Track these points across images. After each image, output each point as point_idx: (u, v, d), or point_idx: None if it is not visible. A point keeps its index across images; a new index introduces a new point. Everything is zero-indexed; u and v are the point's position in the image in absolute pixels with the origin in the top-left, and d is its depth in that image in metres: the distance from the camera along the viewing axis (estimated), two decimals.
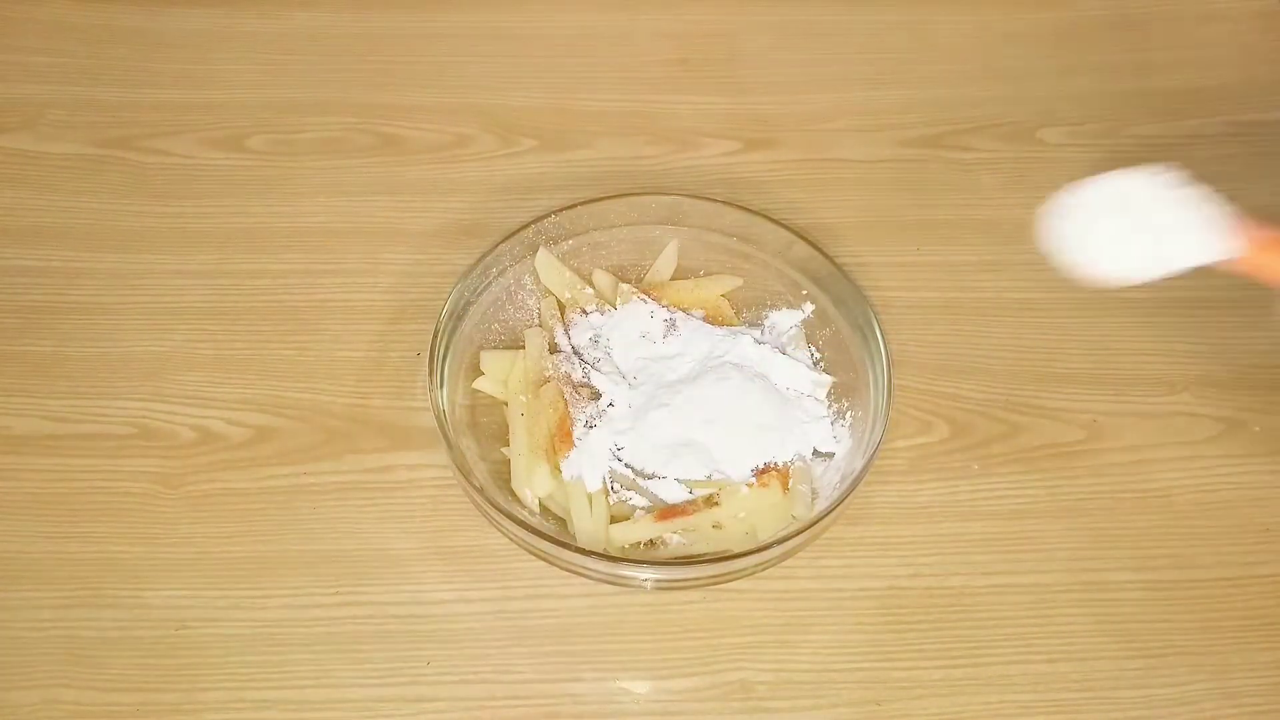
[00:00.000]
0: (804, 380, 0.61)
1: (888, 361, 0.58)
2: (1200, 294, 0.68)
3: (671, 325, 0.62)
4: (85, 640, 0.55)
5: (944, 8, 0.84)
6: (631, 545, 0.57)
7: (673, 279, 0.66)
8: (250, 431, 0.62)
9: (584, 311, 0.64)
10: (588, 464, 0.58)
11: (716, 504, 0.57)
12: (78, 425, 0.62)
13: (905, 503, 0.60)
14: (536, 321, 0.64)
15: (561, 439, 0.58)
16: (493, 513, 0.54)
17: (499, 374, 0.62)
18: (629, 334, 0.62)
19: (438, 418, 0.57)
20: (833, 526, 0.56)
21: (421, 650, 0.56)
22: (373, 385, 0.64)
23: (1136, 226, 0.49)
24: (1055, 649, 0.56)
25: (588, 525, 0.56)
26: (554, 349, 0.62)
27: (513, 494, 0.58)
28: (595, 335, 0.63)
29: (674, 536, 0.57)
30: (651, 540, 0.57)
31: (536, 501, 0.58)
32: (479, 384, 0.62)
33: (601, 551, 0.55)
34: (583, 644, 0.56)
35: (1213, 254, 0.48)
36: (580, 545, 0.55)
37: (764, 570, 0.55)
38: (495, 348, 0.63)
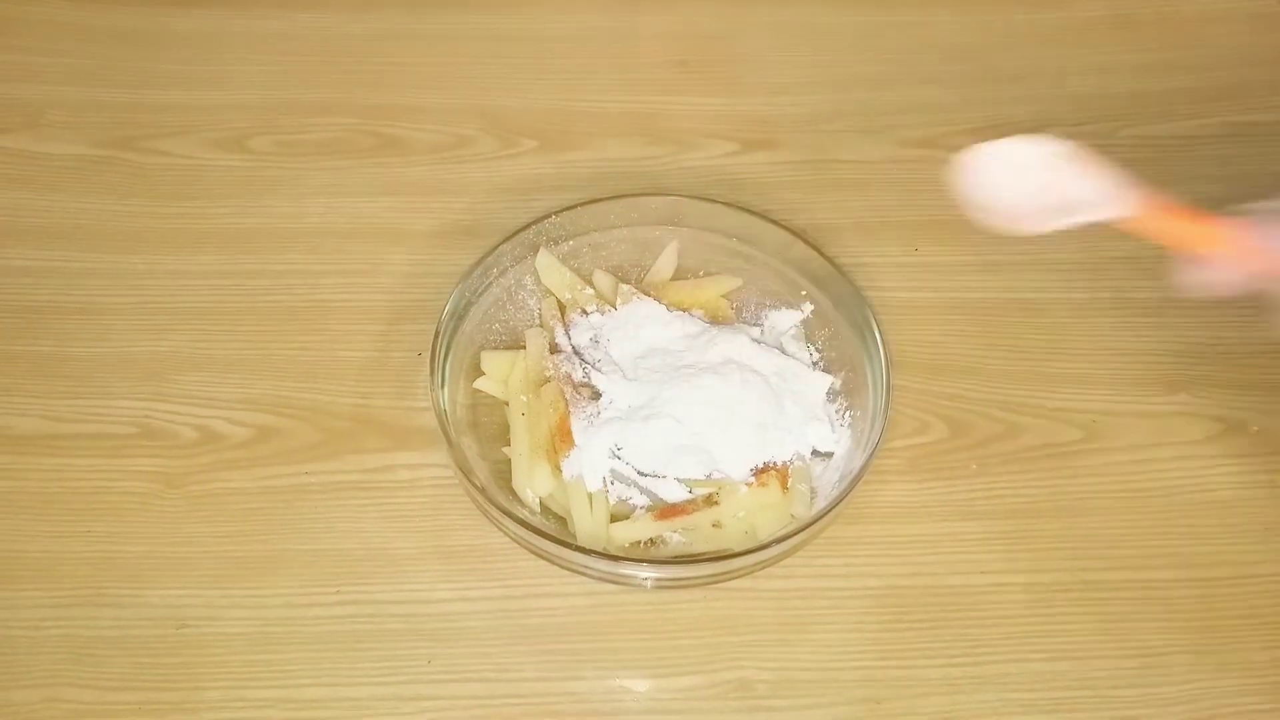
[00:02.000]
0: (803, 380, 0.61)
1: (886, 361, 0.58)
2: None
3: (673, 326, 0.62)
4: (86, 639, 0.55)
5: (944, 8, 0.84)
6: (632, 544, 0.57)
7: (673, 279, 0.66)
8: (252, 431, 0.62)
9: (584, 312, 0.64)
10: (588, 463, 0.58)
11: (716, 503, 0.57)
12: (79, 425, 0.62)
13: (904, 502, 0.61)
14: (537, 322, 0.64)
15: (562, 439, 0.58)
16: (494, 512, 0.55)
17: (500, 374, 0.62)
18: (629, 334, 0.63)
19: (439, 417, 0.57)
20: (832, 526, 0.56)
21: (422, 649, 0.56)
22: (374, 385, 0.64)
23: (1038, 183, 0.51)
24: (1054, 648, 0.56)
25: (588, 524, 0.57)
26: (554, 349, 0.62)
27: (513, 493, 0.58)
28: (595, 335, 0.63)
29: (674, 535, 0.57)
30: (652, 539, 0.57)
31: (537, 501, 0.58)
32: (480, 384, 0.62)
33: (602, 550, 0.55)
34: (583, 642, 0.56)
35: (1108, 212, 0.51)
36: (581, 544, 0.55)
37: (763, 569, 0.56)
38: (496, 348, 0.63)
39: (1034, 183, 0.51)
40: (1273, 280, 0.49)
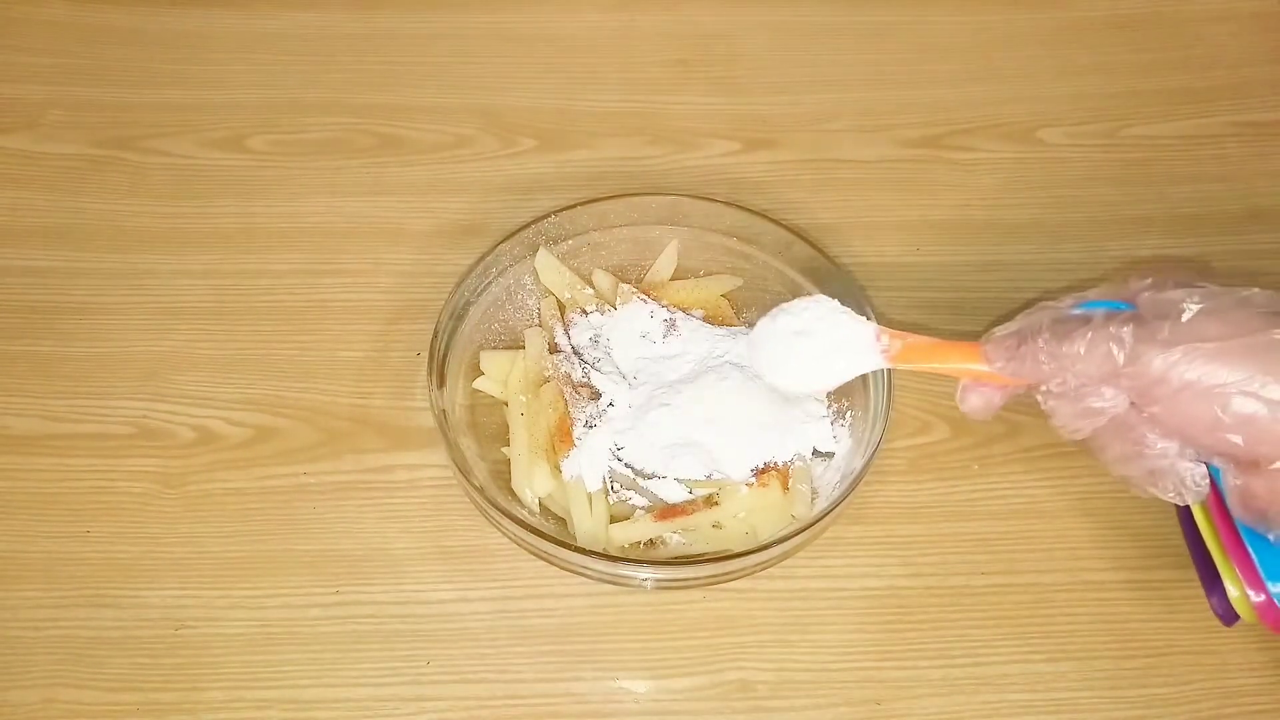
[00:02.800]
0: None
1: None
2: None
3: (671, 325, 0.62)
4: (85, 639, 0.55)
5: (944, 8, 0.84)
6: (631, 545, 0.57)
7: (673, 279, 0.66)
8: (250, 431, 0.62)
9: (584, 311, 0.64)
10: (588, 464, 0.58)
11: (716, 504, 0.57)
12: (78, 425, 0.62)
13: (905, 502, 0.61)
14: (536, 321, 0.64)
15: (561, 439, 0.58)
16: (493, 512, 0.54)
17: (499, 374, 0.62)
18: (629, 334, 0.62)
19: (438, 418, 0.57)
20: (832, 526, 0.56)
21: (421, 649, 0.56)
22: (373, 385, 0.64)
23: (807, 348, 0.54)
24: (1055, 648, 0.56)
25: (588, 525, 0.56)
26: (554, 349, 0.62)
27: (513, 494, 0.58)
28: (595, 335, 0.63)
29: (674, 536, 0.57)
30: (651, 540, 0.57)
31: (536, 501, 0.58)
32: (479, 384, 0.62)
33: (601, 551, 0.55)
34: (583, 643, 0.56)
35: (871, 363, 0.53)
36: (580, 545, 0.55)
37: (764, 570, 0.55)
38: (495, 348, 0.63)
39: (807, 346, 0.54)
40: (1029, 391, 0.51)
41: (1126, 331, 0.47)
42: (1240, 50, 0.82)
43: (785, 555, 0.55)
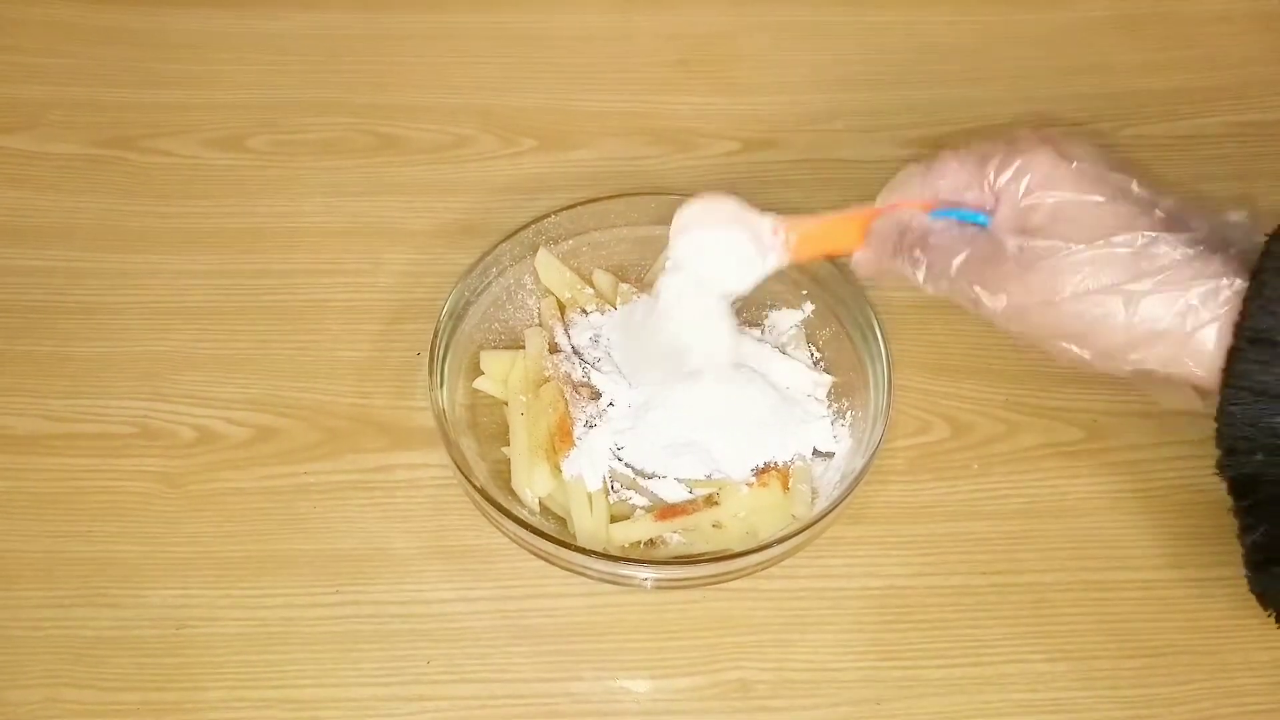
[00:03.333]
0: (804, 380, 0.61)
1: (888, 361, 0.58)
2: None
3: None
4: (86, 639, 0.55)
5: (944, 8, 0.84)
6: (632, 544, 0.57)
7: None
8: (251, 431, 0.62)
9: (584, 311, 0.64)
10: (588, 463, 0.58)
11: (716, 503, 0.57)
12: (79, 425, 0.62)
13: (905, 502, 0.61)
14: (537, 321, 0.64)
15: (562, 438, 0.58)
16: (493, 512, 0.54)
17: (499, 374, 0.62)
18: (629, 334, 0.62)
19: (438, 417, 0.57)
20: (832, 526, 0.56)
21: (422, 649, 0.56)
22: (373, 385, 0.64)
23: (711, 266, 0.55)
24: (1054, 648, 0.56)
25: (588, 524, 0.56)
26: (554, 349, 0.62)
27: (513, 493, 0.58)
28: (595, 335, 0.63)
29: (674, 536, 0.57)
30: (651, 539, 0.57)
31: (537, 501, 0.58)
32: (479, 384, 0.62)
33: (602, 551, 0.55)
34: (583, 643, 0.56)
35: (773, 262, 0.55)
36: (580, 544, 0.55)
37: (764, 569, 0.55)
38: (495, 347, 0.63)
39: (725, 250, 0.55)
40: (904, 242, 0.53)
41: (966, 283, 0.50)
42: (1240, 50, 0.82)
43: (785, 555, 0.55)
